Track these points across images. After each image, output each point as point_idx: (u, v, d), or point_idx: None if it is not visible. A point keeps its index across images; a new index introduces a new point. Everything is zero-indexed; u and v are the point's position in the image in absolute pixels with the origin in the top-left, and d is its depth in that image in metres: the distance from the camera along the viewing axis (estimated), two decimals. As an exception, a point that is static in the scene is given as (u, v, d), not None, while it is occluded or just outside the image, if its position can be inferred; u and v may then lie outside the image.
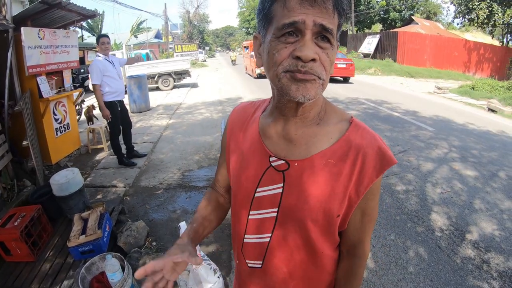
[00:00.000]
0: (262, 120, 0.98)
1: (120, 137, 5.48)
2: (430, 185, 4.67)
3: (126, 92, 10.36)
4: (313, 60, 0.74)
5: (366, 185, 0.83)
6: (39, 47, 4.94)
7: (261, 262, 0.97)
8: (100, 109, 5.16)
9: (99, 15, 25.52)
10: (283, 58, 0.76)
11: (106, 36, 5.32)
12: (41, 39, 4.98)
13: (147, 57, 18.37)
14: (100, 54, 5.11)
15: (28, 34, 4.66)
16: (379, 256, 3.10)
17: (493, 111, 10.96)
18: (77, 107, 8.94)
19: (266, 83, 16.06)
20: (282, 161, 0.89)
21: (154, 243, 3.40)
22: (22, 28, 4.57)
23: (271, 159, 0.91)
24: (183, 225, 2.59)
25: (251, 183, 0.94)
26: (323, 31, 0.74)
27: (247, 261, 1.01)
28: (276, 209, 0.91)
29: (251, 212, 0.96)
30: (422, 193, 4.40)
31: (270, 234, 0.93)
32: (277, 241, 0.92)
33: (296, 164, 0.87)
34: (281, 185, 0.89)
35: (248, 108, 1.07)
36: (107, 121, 5.29)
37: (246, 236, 0.99)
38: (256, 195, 0.94)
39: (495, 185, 4.75)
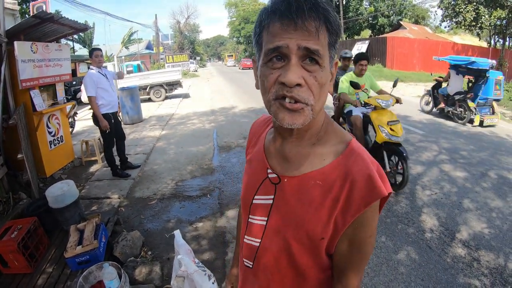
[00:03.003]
0: (268, 137, 1.02)
1: (114, 149, 5.51)
2: (420, 187, 4.76)
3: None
4: (299, 85, 0.74)
5: (353, 213, 0.79)
6: (32, 61, 5.01)
7: (252, 263, 1.02)
8: (96, 121, 5.18)
9: (90, 28, 25.55)
10: (271, 85, 0.77)
11: (99, 49, 5.38)
12: (34, 52, 5.04)
13: (138, 69, 18.42)
14: (94, 67, 5.16)
15: (21, 48, 4.72)
16: (371, 258, 3.16)
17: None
18: (70, 120, 8.97)
19: (257, 92, 16.25)
20: (275, 175, 0.93)
21: (149, 252, 3.43)
22: (15, 42, 4.63)
23: (268, 171, 0.95)
24: (177, 233, 2.64)
25: (251, 190, 1.00)
26: (309, 53, 0.74)
27: (244, 259, 1.06)
28: (266, 218, 0.95)
29: (250, 216, 1.01)
30: (412, 196, 4.49)
31: (260, 240, 0.97)
32: (264, 247, 0.96)
33: (285, 180, 0.90)
34: (272, 197, 0.93)
35: (262, 124, 1.12)
36: (101, 132, 5.31)
37: (245, 236, 1.04)
38: (254, 201, 0.99)
39: (485, 184, 4.87)
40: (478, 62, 8.75)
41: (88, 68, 5.26)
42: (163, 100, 15.79)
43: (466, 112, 8.72)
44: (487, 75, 8.73)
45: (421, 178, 5.11)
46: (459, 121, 8.95)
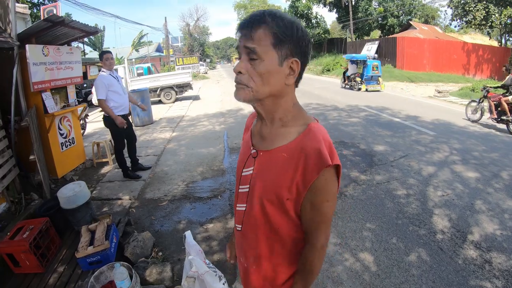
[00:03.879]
0: (254, 122, 1.27)
1: (125, 151, 5.54)
2: (431, 188, 4.71)
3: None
4: (240, 73, 1.02)
5: (309, 179, 0.99)
6: (44, 64, 5.06)
7: (240, 226, 1.25)
8: (107, 123, 5.23)
9: (101, 31, 25.80)
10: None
11: (109, 52, 5.41)
12: (45, 55, 5.09)
13: (149, 71, 18.55)
14: (105, 70, 5.19)
15: (33, 51, 4.77)
16: (381, 259, 3.14)
17: (493, 112, 10.96)
18: (81, 122, 9.06)
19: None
20: (255, 150, 1.16)
21: (160, 253, 3.44)
22: (27, 46, 4.68)
23: (251, 148, 1.18)
24: (188, 234, 2.64)
25: (241, 165, 1.24)
26: (249, 50, 1.00)
27: (235, 224, 1.30)
28: (248, 186, 1.18)
29: (239, 186, 1.23)
30: (423, 197, 4.44)
31: (245, 205, 1.20)
32: (248, 211, 1.18)
33: (261, 153, 1.13)
34: (252, 168, 1.16)
35: (253, 115, 1.35)
36: (112, 135, 5.36)
37: (236, 204, 1.27)
38: (242, 174, 1.21)
39: (497, 185, 4.80)
40: (361, 56, 17.96)
41: (99, 71, 5.28)
42: (173, 102, 15.87)
43: (357, 84, 16.70)
44: (367, 62, 16.78)
45: (432, 179, 5.05)
46: (354, 89, 16.92)
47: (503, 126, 8.35)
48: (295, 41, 1.01)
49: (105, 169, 6.20)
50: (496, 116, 8.51)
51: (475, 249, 3.27)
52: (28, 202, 4.33)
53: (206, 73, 44.42)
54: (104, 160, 6.53)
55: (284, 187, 1.04)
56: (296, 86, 1.11)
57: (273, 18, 1.00)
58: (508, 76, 8.90)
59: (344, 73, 18.28)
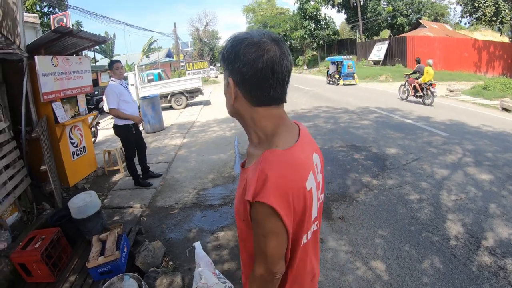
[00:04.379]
0: None
1: (136, 159, 5.58)
2: (445, 192, 4.63)
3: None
4: None
5: (247, 208, 0.98)
6: (53, 74, 5.12)
7: None
8: (118, 132, 5.31)
9: (110, 40, 26.08)
10: None
11: (118, 61, 5.44)
12: (54, 66, 5.14)
13: (159, 77, 18.69)
14: (114, 79, 5.22)
15: (42, 62, 4.84)
16: (394, 268, 3.09)
17: (507, 110, 10.85)
18: (92, 130, 9.16)
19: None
20: (242, 167, 1.15)
21: (171, 262, 3.44)
22: (36, 57, 4.74)
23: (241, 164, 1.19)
24: (198, 245, 2.65)
25: None
26: None
27: None
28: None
29: None
30: (437, 201, 4.37)
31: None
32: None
33: (241, 171, 1.11)
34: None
35: None
36: (123, 143, 5.42)
37: None
38: None
39: (511, 187, 4.69)
40: (338, 58, 22.40)
41: (110, 77, 5.32)
42: (184, 107, 15.97)
43: (336, 79, 21.42)
44: (343, 62, 21.12)
45: (445, 182, 4.97)
46: (334, 84, 21.55)
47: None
48: (226, 60, 1.01)
49: (116, 177, 6.23)
50: (413, 94, 12.99)
51: (489, 255, 3.20)
52: (40, 212, 4.38)
53: (217, 77, 44.57)
54: (115, 168, 6.57)
55: (241, 208, 1.04)
56: (258, 105, 1.02)
57: (221, 51, 1.05)
58: (417, 65, 13.55)
59: (328, 72, 23.51)
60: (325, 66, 34.53)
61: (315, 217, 1.12)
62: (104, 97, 5.30)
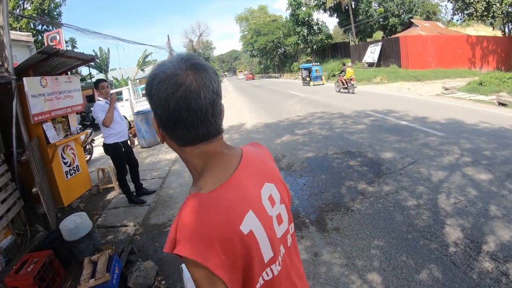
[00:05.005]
0: None
1: (129, 176, 5.54)
2: (443, 196, 4.52)
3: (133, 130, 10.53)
4: None
5: None
6: (43, 95, 5.11)
7: None
8: (107, 151, 5.30)
9: (98, 58, 26.19)
10: None
11: (104, 80, 5.43)
12: (43, 86, 5.14)
13: (155, 90, 18.68)
14: (101, 98, 5.18)
15: (30, 84, 4.83)
16: (390, 280, 2.99)
17: (503, 104, 10.82)
18: (87, 147, 9.09)
19: (273, 107, 16.01)
20: None
21: (163, 282, 3.39)
22: (24, 79, 4.75)
23: None
24: (185, 267, 2.57)
25: None
26: None
27: None
28: None
29: None
30: (435, 206, 4.25)
31: None
32: None
33: None
34: None
35: None
36: (114, 161, 5.38)
37: None
38: None
39: (511, 186, 4.60)
40: (308, 65, 29.98)
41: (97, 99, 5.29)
42: (180, 121, 15.82)
43: (307, 81, 27.82)
44: (311, 68, 28.15)
45: (443, 185, 4.86)
46: (307, 85, 27.55)
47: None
48: (148, 100, 0.92)
49: (111, 195, 6.18)
50: (342, 86, 19.04)
51: (490, 260, 3.10)
52: (33, 234, 4.36)
53: (213, 86, 44.59)
54: (109, 185, 6.51)
55: None
56: (184, 145, 0.93)
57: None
58: (343, 67, 20.03)
59: (302, 76, 30.39)
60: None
61: (271, 257, 0.96)
62: (93, 115, 5.24)
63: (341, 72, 20.11)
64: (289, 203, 1.11)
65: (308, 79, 28.22)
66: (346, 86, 18.47)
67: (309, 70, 28.72)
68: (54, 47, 5.41)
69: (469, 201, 4.28)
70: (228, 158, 0.96)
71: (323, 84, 27.36)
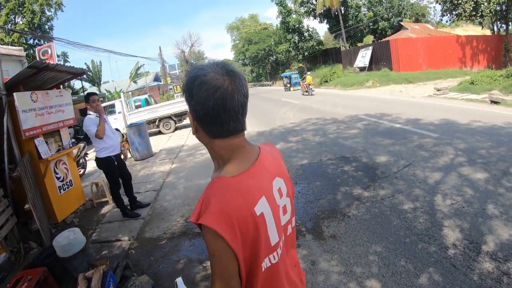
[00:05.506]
0: None
1: (123, 190, 5.48)
2: (440, 197, 4.48)
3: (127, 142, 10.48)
4: None
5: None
6: (33, 110, 5.08)
7: None
8: (99, 164, 5.24)
9: (88, 72, 26.19)
10: None
11: (94, 94, 5.36)
12: (34, 101, 5.11)
13: (147, 102, 18.65)
14: (91, 112, 5.12)
15: (21, 99, 4.80)
16: (390, 285, 2.93)
17: (495, 102, 10.91)
18: (81, 161, 9.01)
19: (266, 115, 16.02)
20: None
21: (159, 297, 3.31)
22: (14, 94, 4.72)
23: None
24: (179, 281, 2.51)
25: None
26: None
27: None
28: None
29: None
30: (432, 208, 4.21)
31: None
32: None
33: None
34: None
35: None
36: (106, 176, 5.32)
37: None
38: None
39: (508, 183, 4.57)
40: (288, 73, 36.27)
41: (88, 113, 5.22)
42: (173, 131, 15.92)
43: (288, 87, 33.43)
44: (291, 76, 34.11)
45: (439, 186, 4.83)
46: (288, 90, 32.41)
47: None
48: (184, 96, 1.09)
49: (105, 209, 6.11)
50: (305, 90, 23.74)
51: (491, 260, 3.06)
52: (27, 251, 4.30)
53: (206, 97, 44.72)
54: (103, 200, 6.44)
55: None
56: (215, 137, 1.09)
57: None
58: (304, 75, 27.41)
59: (284, 83, 35.86)
60: (313, 77, 35.66)
61: (277, 242, 1.11)
62: (84, 129, 5.19)
63: (303, 79, 25.97)
64: (293, 198, 1.26)
65: (288, 85, 33.54)
66: (307, 90, 23.40)
67: (289, 77, 34.13)
68: (44, 61, 5.38)
69: (466, 201, 4.25)
70: (249, 152, 1.14)
71: (298, 90, 31.53)
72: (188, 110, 1.10)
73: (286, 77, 35.34)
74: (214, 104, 1.00)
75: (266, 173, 1.13)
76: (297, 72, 36.88)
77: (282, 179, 1.19)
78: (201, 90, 1.01)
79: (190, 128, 1.20)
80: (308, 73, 26.42)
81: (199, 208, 1.00)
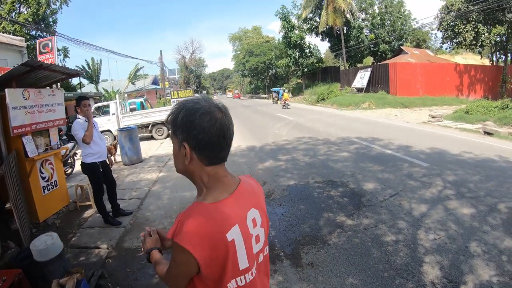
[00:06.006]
0: None
1: (106, 196, 5.44)
2: (423, 231, 4.44)
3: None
4: None
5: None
6: (24, 107, 5.05)
7: None
8: (85, 169, 5.21)
9: (82, 73, 26.13)
10: None
11: (86, 98, 5.34)
12: (25, 99, 5.08)
13: (142, 106, 18.58)
14: (81, 116, 5.07)
15: (12, 95, 4.78)
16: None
17: (489, 133, 10.98)
18: (69, 160, 8.93)
19: (260, 130, 15.97)
20: None
21: (131, 312, 3.25)
22: (6, 90, 4.70)
23: None
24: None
25: None
26: None
27: None
28: None
29: None
30: (414, 242, 4.16)
31: None
32: None
33: None
34: None
35: None
36: (90, 181, 5.31)
37: None
38: None
39: (494, 221, 4.55)
40: (277, 89, 41.30)
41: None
42: (165, 138, 15.82)
43: (275, 101, 38.55)
44: (279, 91, 37.29)
45: (424, 219, 4.79)
46: (275, 104, 37.31)
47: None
48: (180, 127, 1.17)
49: (87, 213, 6.05)
50: (283, 105, 29.77)
51: (468, 303, 3.03)
52: (5, 250, 4.28)
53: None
54: (87, 203, 6.37)
55: None
56: (208, 165, 1.20)
57: (172, 110, 1.22)
58: (280, 93, 35.95)
59: (272, 97, 41.29)
60: (310, 93, 36.69)
61: (247, 267, 1.21)
62: (72, 133, 5.15)
63: (281, 96, 33.84)
64: (267, 230, 1.37)
65: (276, 99, 38.71)
66: (284, 104, 29.50)
67: (278, 92, 38.93)
68: (43, 54, 5.37)
69: (449, 237, 4.22)
70: (229, 182, 1.25)
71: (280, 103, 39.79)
72: (183, 141, 1.18)
73: (275, 91, 40.76)
74: (217, 132, 1.15)
75: (242, 204, 1.23)
76: (284, 88, 41.94)
77: (257, 210, 1.29)
78: (204, 120, 1.14)
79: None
80: (286, 91, 36.94)
81: (175, 227, 1.11)
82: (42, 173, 5.60)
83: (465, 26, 23.46)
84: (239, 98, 73.44)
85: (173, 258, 1.16)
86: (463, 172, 6.74)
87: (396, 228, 4.59)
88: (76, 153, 9.61)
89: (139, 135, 10.71)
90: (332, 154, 9.36)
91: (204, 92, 67.66)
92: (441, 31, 26.47)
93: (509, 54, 25.46)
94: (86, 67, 29.73)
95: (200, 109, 1.15)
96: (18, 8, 22.88)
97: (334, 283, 3.48)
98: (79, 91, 23.60)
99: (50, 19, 24.94)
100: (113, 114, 15.34)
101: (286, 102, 29.81)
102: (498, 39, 24.03)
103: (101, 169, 5.23)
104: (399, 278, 3.46)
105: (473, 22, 23.22)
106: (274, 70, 56.89)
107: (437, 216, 4.87)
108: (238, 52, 64.72)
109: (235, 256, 1.16)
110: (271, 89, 45.87)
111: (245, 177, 1.39)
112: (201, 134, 1.13)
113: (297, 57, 42.34)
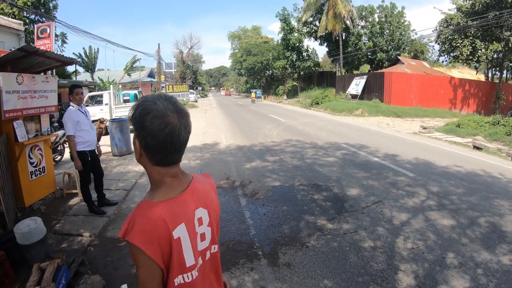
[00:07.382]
0: None
1: (93, 184, 5.47)
2: (401, 239, 4.51)
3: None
4: None
5: None
6: (17, 92, 5.08)
7: None
8: (72, 159, 5.19)
9: (77, 62, 25.93)
10: None
11: (79, 86, 5.38)
12: (19, 84, 5.11)
13: (135, 98, 18.52)
14: (73, 105, 5.12)
15: (6, 79, 4.82)
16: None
17: (478, 148, 11.09)
18: (59, 147, 8.92)
19: (251, 128, 15.96)
20: None
21: (108, 299, 3.29)
22: (0, 74, 4.73)
23: None
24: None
25: None
26: None
27: None
28: None
29: None
30: (391, 250, 4.22)
31: None
32: None
33: None
34: None
35: None
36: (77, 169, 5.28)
37: None
38: None
39: (473, 234, 4.60)
40: (253, 90, 54.70)
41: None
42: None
43: (254, 100, 47.36)
44: (256, 92, 51.79)
45: (404, 228, 4.86)
46: (253, 103, 43.78)
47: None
48: (134, 125, 1.19)
49: (73, 201, 6.08)
50: (252, 101, 46.59)
51: (437, 312, 3.09)
52: None
53: (196, 101, 45.01)
54: (74, 191, 6.40)
55: None
56: (156, 165, 1.23)
57: (133, 104, 1.24)
58: (252, 92, 51.58)
59: (251, 97, 48.80)
60: (304, 97, 36.22)
61: (193, 264, 1.24)
62: (63, 121, 5.20)
63: (251, 94, 48.04)
64: (216, 228, 1.39)
65: (254, 98, 47.65)
66: (252, 101, 38.67)
67: (255, 93, 49.66)
68: (41, 39, 5.38)
69: (427, 247, 4.28)
70: (180, 182, 1.27)
71: (262, 101, 51.28)
72: (135, 137, 1.22)
73: (253, 91, 51.52)
74: (164, 137, 1.15)
75: (190, 203, 1.26)
76: (260, 90, 55.53)
77: (206, 210, 1.32)
78: (153, 124, 1.14)
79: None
80: (253, 91, 51.60)
81: (126, 226, 1.12)
82: (31, 159, 5.63)
83: (463, 41, 23.67)
84: (230, 95, 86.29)
85: (135, 264, 1.14)
86: (447, 184, 6.83)
87: (375, 234, 4.65)
88: (66, 141, 9.58)
89: (130, 127, 10.68)
90: (319, 158, 9.41)
91: (200, 88, 67.35)
92: (438, 44, 26.67)
93: (504, 71, 25.73)
94: (83, 55, 29.48)
95: (154, 111, 1.15)
96: (18, -9, 22.69)
97: (308, 285, 3.54)
98: (74, 78, 23.40)
99: (51, 5, 24.76)
100: (106, 104, 15.29)
101: (254, 99, 46.30)
102: (494, 55, 24.29)
103: (89, 158, 5.26)
104: (373, 284, 3.52)
105: (471, 37, 23.44)
106: (270, 71, 56.96)
107: (417, 225, 4.94)
108: (236, 51, 64.61)
109: (181, 253, 1.19)
110: (251, 90, 58.97)
111: (201, 175, 1.42)
112: (149, 136, 1.15)
113: (294, 60, 42.50)
